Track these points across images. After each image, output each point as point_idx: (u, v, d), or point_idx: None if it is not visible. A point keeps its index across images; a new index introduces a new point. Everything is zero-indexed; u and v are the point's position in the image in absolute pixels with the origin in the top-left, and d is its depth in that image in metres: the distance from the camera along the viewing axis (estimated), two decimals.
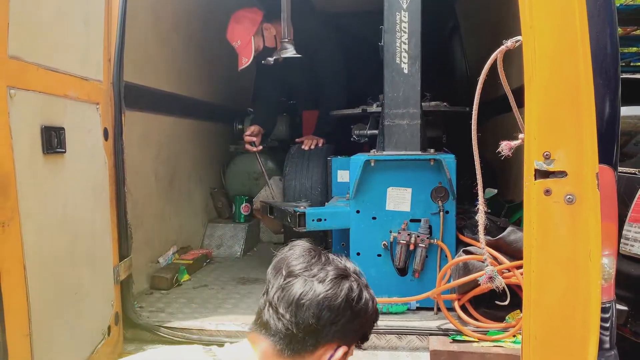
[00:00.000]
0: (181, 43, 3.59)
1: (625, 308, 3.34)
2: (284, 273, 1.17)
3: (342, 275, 1.18)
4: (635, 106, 3.99)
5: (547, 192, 1.35)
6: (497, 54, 1.45)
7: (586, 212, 1.33)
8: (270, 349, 1.16)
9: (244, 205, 4.09)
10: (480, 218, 1.62)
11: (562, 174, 1.33)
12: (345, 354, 1.20)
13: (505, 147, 1.60)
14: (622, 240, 3.45)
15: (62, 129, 1.76)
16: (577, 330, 1.42)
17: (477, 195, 2.06)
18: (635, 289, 3.30)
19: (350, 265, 1.23)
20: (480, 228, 1.66)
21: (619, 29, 7.34)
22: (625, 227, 3.43)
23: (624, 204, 3.47)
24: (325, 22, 3.82)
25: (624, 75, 4.71)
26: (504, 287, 1.86)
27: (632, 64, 9.69)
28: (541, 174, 1.35)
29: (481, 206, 1.62)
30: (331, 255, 1.24)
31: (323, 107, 3.72)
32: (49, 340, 1.61)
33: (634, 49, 8.58)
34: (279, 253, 1.25)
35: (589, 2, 1.83)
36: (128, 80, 2.44)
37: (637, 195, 3.37)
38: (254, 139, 3.70)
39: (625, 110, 3.97)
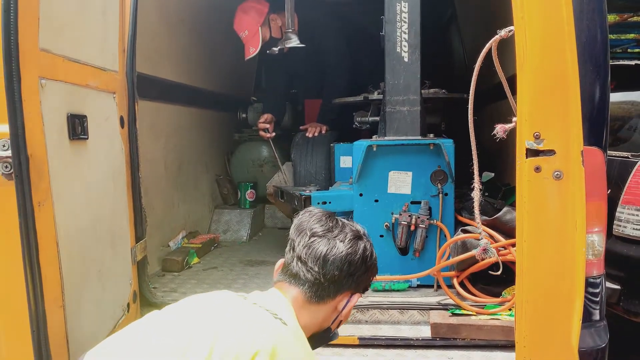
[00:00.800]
0: (187, 34, 3.69)
1: (618, 287, 3.47)
2: (308, 233, 1.40)
3: (357, 236, 1.44)
4: (629, 92, 4.08)
5: (537, 169, 1.47)
6: (491, 43, 1.56)
7: (572, 186, 1.46)
8: (300, 295, 1.39)
9: (249, 191, 4.22)
10: (476, 195, 1.75)
11: (550, 152, 1.46)
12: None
13: (499, 129, 1.72)
14: (615, 221, 3.56)
15: (85, 116, 1.88)
16: (564, 297, 1.55)
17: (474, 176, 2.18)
18: (627, 268, 3.43)
19: (360, 228, 1.50)
20: (476, 204, 1.78)
21: (616, 15, 7.42)
22: (618, 209, 3.53)
23: (617, 186, 3.59)
24: (327, 11, 3.92)
25: (620, 62, 4.82)
26: (497, 259, 1.98)
27: (629, 50, 9.74)
28: (532, 152, 1.48)
29: (476, 184, 1.75)
30: (343, 219, 1.48)
31: (326, 95, 3.83)
32: (79, 313, 1.74)
33: (632, 36, 8.65)
34: (298, 217, 1.47)
35: None
36: (138, 70, 2.55)
37: (629, 178, 3.48)
38: (268, 125, 3.82)
39: (620, 96, 4.10)
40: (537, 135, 1.45)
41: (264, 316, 1.27)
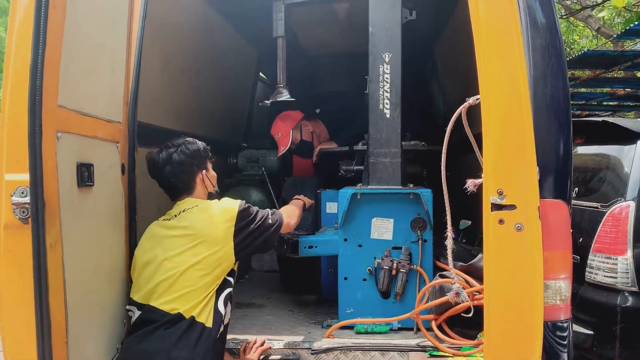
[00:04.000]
0: (186, 83, 3.89)
1: (591, 332, 3.59)
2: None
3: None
4: (599, 145, 4.29)
5: (501, 221, 1.66)
6: (461, 109, 1.77)
7: (532, 237, 1.64)
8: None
9: None
10: (449, 243, 1.92)
11: (512, 207, 1.65)
12: None
13: (470, 184, 1.92)
14: (587, 269, 3.70)
15: (92, 165, 2.04)
16: (526, 339, 1.71)
17: (454, 225, 2.32)
18: (599, 314, 3.56)
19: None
20: (449, 252, 1.95)
21: (590, 72, 7.82)
22: (589, 257, 3.68)
23: (588, 235, 3.76)
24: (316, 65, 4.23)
25: (590, 119, 5.08)
26: (469, 303, 2.14)
27: (604, 103, 10.17)
28: (496, 206, 1.67)
29: (449, 232, 1.92)
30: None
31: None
32: (80, 347, 1.86)
33: (606, 89, 9.07)
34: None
35: (542, 61, 2.19)
36: (138, 119, 2.72)
37: (599, 228, 3.66)
38: None
39: (592, 149, 4.33)
40: (500, 191, 1.64)
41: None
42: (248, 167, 4.61)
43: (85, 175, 1.97)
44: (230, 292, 2.36)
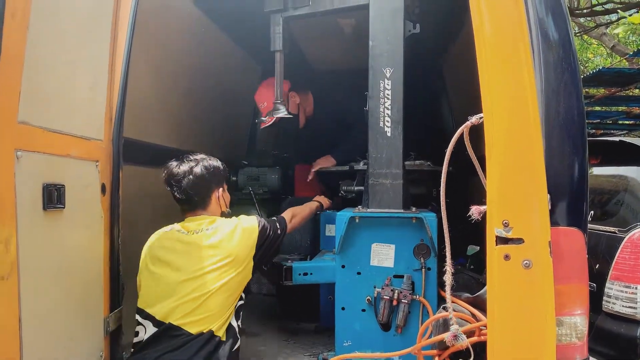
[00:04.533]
0: (180, 98, 3.76)
1: None
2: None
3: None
4: (616, 166, 4.12)
5: (507, 257, 1.47)
6: (463, 129, 1.59)
7: (541, 276, 1.44)
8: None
9: None
10: (448, 279, 1.73)
11: (519, 240, 1.46)
12: None
13: (475, 211, 1.72)
14: (604, 297, 3.51)
15: (63, 186, 1.88)
16: None
17: (466, 251, 2.13)
18: (618, 347, 3.35)
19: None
20: (447, 288, 1.76)
21: (604, 90, 7.63)
22: (607, 285, 3.50)
23: (605, 261, 3.56)
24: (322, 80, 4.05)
25: (605, 138, 4.90)
26: (467, 345, 1.94)
27: (619, 121, 9.94)
28: (501, 240, 1.47)
29: (448, 267, 1.73)
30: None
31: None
32: None
33: (621, 108, 8.86)
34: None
35: (554, 77, 2.01)
36: (126, 136, 2.58)
37: (617, 254, 3.46)
38: None
39: (608, 170, 4.14)
40: (505, 223, 1.45)
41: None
42: (248, 185, 4.46)
43: (53, 196, 1.81)
44: (242, 304, 2.44)
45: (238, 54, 4.45)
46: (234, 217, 2.53)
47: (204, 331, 2.18)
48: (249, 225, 2.46)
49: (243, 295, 2.45)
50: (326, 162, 3.80)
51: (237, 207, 4.38)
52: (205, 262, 2.27)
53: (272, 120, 3.53)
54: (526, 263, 1.45)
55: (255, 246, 2.42)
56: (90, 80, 2.13)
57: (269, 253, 2.53)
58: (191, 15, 3.51)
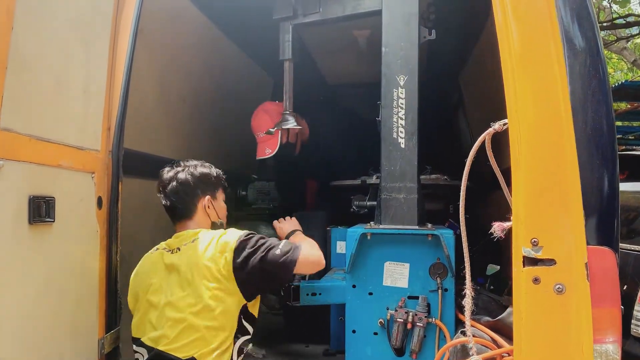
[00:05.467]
0: (187, 111, 3.66)
1: None
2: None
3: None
4: None
5: (536, 280, 1.29)
6: (484, 136, 1.44)
7: (576, 303, 1.27)
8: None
9: None
10: (467, 303, 1.56)
11: (551, 262, 1.28)
12: None
13: (497, 228, 1.56)
14: (632, 321, 3.32)
15: (53, 198, 1.76)
16: None
17: (485, 271, 1.96)
18: None
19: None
20: (467, 312, 1.59)
21: (627, 104, 7.42)
22: (635, 308, 3.31)
23: (633, 282, 3.36)
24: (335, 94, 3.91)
25: (632, 152, 4.70)
26: None
27: None
28: (529, 261, 1.30)
29: (468, 290, 1.56)
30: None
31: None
32: None
33: None
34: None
35: (581, 84, 1.85)
36: (129, 147, 2.47)
37: None
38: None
39: (635, 186, 3.94)
40: (534, 241, 1.28)
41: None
42: (258, 200, 4.32)
43: (41, 210, 1.69)
44: (246, 340, 2.17)
45: (250, 66, 4.36)
46: (221, 230, 2.27)
47: (195, 356, 2.00)
48: (227, 237, 2.12)
49: (248, 329, 2.17)
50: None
51: (245, 222, 4.26)
52: (182, 283, 2.07)
53: (273, 153, 3.36)
54: (559, 287, 1.27)
55: (233, 261, 2.05)
56: (86, 89, 2.01)
57: (256, 276, 2.09)
58: (202, 26, 3.43)
